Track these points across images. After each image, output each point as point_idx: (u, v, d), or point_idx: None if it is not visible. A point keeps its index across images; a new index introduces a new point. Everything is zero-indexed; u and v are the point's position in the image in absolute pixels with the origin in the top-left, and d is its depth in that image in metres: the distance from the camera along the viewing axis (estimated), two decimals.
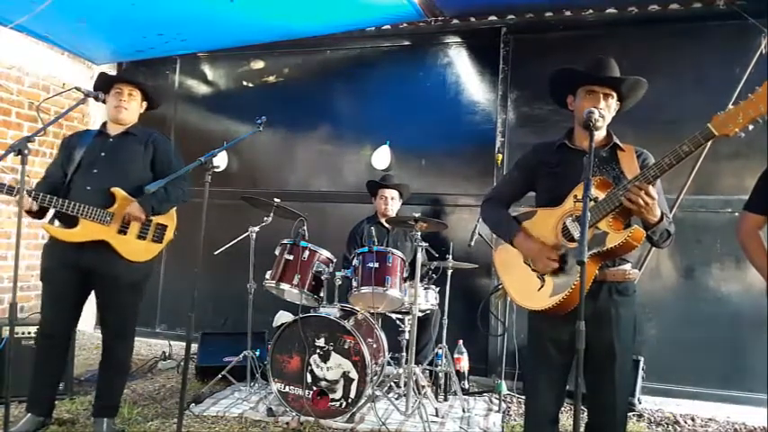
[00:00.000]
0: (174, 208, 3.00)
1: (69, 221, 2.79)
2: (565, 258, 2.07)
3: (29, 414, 2.87)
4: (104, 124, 3.01)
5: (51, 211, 2.84)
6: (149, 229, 2.89)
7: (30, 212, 2.76)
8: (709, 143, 4.13)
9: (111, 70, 5.72)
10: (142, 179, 2.87)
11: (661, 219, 1.98)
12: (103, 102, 2.92)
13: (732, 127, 1.79)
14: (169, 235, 2.97)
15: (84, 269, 2.81)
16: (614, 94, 2.16)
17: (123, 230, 2.82)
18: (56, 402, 3.03)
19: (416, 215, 3.43)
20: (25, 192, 2.68)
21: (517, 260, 2.22)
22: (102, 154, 2.89)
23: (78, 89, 2.85)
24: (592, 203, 1.91)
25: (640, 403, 3.77)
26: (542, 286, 2.11)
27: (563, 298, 2.01)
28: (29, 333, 3.30)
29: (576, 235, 2.05)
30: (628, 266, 2.15)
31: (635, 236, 1.95)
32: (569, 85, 2.21)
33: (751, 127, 1.78)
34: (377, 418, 3.22)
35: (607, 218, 1.99)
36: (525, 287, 2.16)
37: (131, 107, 2.97)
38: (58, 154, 2.99)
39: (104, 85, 2.96)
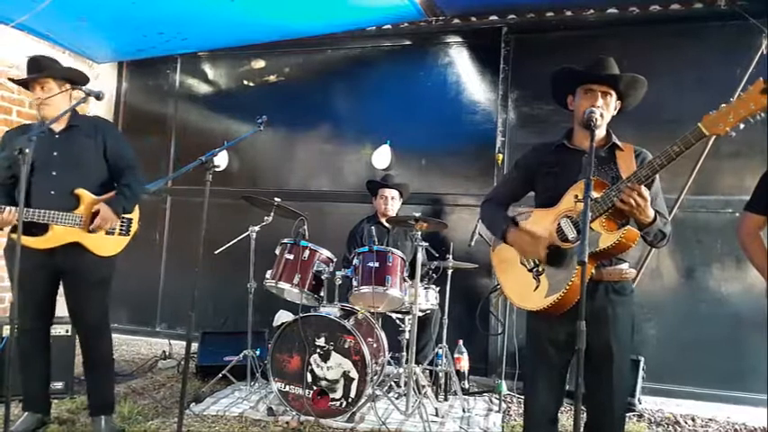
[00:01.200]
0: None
1: (34, 226, 2.73)
2: (555, 249, 2.08)
3: (26, 413, 2.88)
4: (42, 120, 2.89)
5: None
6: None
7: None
8: (711, 142, 4.13)
9: (113, 69, 5.74)
10: (100, 173, 2.90)
11: (654, 219, 1.98)
12: (98, 99, 2.86)
13: (723, 126, 1.79)
14: (135, 227, 3.00)
15: (56, 269, 2.83)
16: (613, 93, 2.15)
17: (93, 229, 2.83)
18: (51, 400, 3.03)
19: (417, 215, 3.43)
20: (4, 208, 2.65)
21: (514, 261, 2.23)
22: (55, 153, 2.83)
23: (79, 88, 2.84)
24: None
25: (641, 403, 3.77)
26: (538, 287, 2.12)
27: (558, 298, 2.01)
28: None
29: (571, 236, 2.06)
30: (625, 266, 2.15)
31: (628, 236, 1.95)
32: (569, 84, 2.21)
33: (742, 126, 1.78)
34: (377, 417, 3.22)
35: (600, 218, 1.99)
36: (522, 288, 2.17)
37: (52, 100, 2.81)
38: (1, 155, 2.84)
39: (24, 86, 2.89)
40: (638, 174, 1.92)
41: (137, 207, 3.03)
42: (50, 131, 2.84)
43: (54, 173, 2.81)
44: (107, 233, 2.88)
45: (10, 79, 3.00)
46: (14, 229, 2.77)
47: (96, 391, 2.94)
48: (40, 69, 2.84)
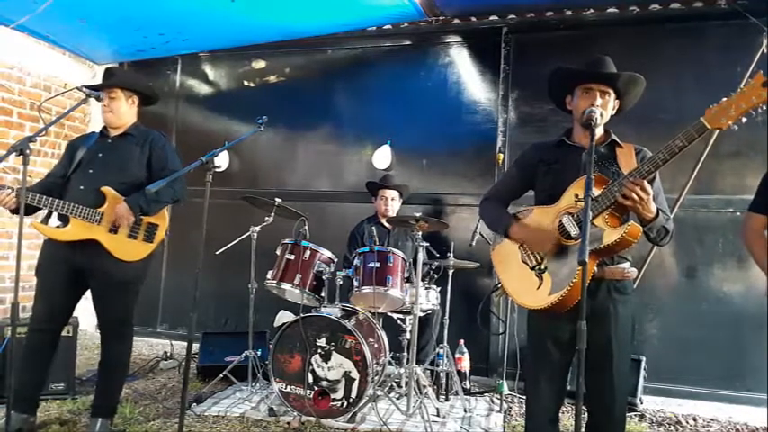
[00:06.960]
0: (167, 207, 2.99)
1: (67, 220, 2.81)
2: (565, 229, 2.07)
3: (12, 412, 2.75)
4: (105, 127, 3.03)
5: (45, 210, 2.83)
6: (140, 228, 2.89)
7: (15, 211, 2.72)
8: (711, 141, 4.12)
9: None
10: (137, 178, 2.90)
11: (657, 215, 1.97)
12: (98, 100, 2.89)
13: (725, 120, 1.80)
14: (161, 235, 2.96)
15: (78, 267, 2.83)
16: (611, 92, 2.15)
17: (114, 230, 2.82)
18: (40, 401, 2.98)
19: (417, 215, 3.43)
20: (9, 189, 2.69)
21: (514, 259, 2.22)
22: (100, 155, 2.91)
23: (80, 89, 2.85)
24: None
25: (642, 403, 3.77)
26: (541, 284, 2.11)
27: (561, 296, 2.00)
28: None
29: (573, 232, 2.05)
30: (626, 264, 2.15)
31: (631, 232, 1.94)
32: (567, 84, 2.21)
33: (744, 119, 1.79)
34: (378, 417, 3.22)
35: (603, 214, 1.99)
36: (523, 286, 2.16)
37: (116, 109, 2.94)
38: (63, 155, 3.02)
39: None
40: (640, 169, 1.92)
41: (166, 216, 2.99)
42: (105, 137, 2.98)
43: (90, 171, 2.87)
44: (129, 236, 2.86)
45: (82, 87, 2.95)
46: (44, 219, 2.87)
47: (101, 392, 2.94)
48: (111, 82, 2.97)
